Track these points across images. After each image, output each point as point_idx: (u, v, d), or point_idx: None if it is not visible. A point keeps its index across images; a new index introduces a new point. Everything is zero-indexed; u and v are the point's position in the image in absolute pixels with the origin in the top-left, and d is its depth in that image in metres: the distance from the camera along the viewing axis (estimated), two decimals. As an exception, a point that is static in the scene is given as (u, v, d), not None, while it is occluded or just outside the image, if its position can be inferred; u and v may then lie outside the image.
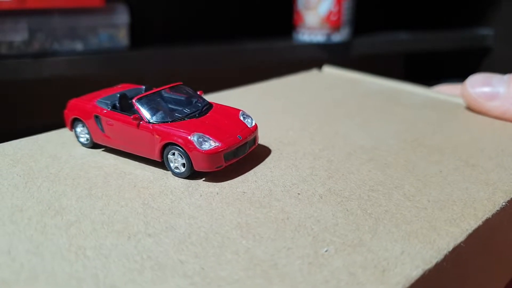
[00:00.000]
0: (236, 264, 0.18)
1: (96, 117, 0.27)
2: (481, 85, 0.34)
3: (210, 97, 0.38)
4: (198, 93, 0.29)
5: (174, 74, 0.63)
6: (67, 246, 0.19)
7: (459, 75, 0.80)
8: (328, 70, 0.48)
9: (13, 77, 0.56)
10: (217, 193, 0.23)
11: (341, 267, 0.18)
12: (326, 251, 0.19)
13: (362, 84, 0.44)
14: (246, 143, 0.26)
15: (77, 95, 0.30)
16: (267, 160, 0.27)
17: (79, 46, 0.59)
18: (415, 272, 0.18)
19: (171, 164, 0.25)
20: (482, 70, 0.83)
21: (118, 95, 0.28)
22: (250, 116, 0.28)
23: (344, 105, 0.38)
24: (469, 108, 0.36)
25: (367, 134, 0.31)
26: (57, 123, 0.33)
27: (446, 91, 0.41)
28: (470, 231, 0.20)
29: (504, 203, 0.23)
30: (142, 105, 0.26)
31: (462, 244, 0.20)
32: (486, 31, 0.80)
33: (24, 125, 0.74)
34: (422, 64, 0.97)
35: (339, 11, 0.68)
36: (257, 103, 0.38)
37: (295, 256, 0.18)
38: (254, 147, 0.27)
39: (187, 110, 0.26)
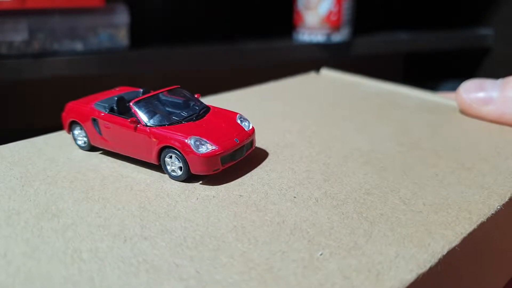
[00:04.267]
0: (231, 267, 0.18)
1: (94, 120, 0.27)
2: (475, 91, 0.35)
3: (208, 100, 0.38)
4: (196, 96, 0.29)
5: (174, 74, 0.63)
6: (63, 249, 0.19)
7: (459, 75, 0.81)
8: (326, 73, 0.48)
9: (13, 77, 0.56)
10: (214, 196, 0.23)
11: (335, 271, 0.18)
12: (321, 254, 0.19)
13: (359, 87, 0.44)
14: (243, 146, 0.26)
15: (77, 95, 0.30)
16: (264, 163, 0.27)
17: (79, 46, 0.59)
18: (409, 276, 0.18)
19: (168, 167, 0.25)
20: (482, 70, 0.83)
21: (116, 98, 0.28)
22: (247, 120, 0.28)
23: (341, 107, 0.38)
24: (464, 113, 0.36)
25: (364, 137, 0.32)
26: (57, 124, 0.33)
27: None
28: (465, 234, 0.20)
29: (499, 207, 0.23)
30: (139, 108, 0.26)
31: (456, 247, 0.20)
32: (486, 31, 0.80)
33: (24, 125, 0.74)
34: (422, 64, 0.97)
35: (339, 11, 0.68)
36: (255, 106, 0.38)
37: (290, 260, 0.19)
38: (251, 150, 0.27)
39: (184, 113, 0.27)
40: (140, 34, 0.67)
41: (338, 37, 0.70)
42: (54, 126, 0.33)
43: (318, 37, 0.69)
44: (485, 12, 0.81)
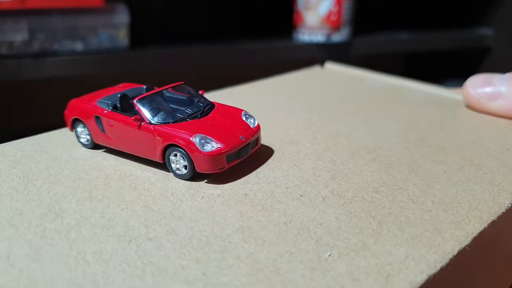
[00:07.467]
0: (238, 269, 0.18)
1: (97, 117, 0.27)
2: (482, 86, 0.34)
3: (213, 95, 0.38)
4: (200, 92, 0.28)
5: (174, 74, 0.63)
6: (67, 251, 0.19)
7: (459, 75, 0.80)
8: (331, 67, 0.48)
9: (13, 77, 0.56)
10: (219, 195, 0.23)
11: (344, 273, 0.17)
12: (329, 255, 0.19)
13: (364, 81, 0.43)
14: (248, 144, 0.25)
15: (77, 95, 0.30)
16: (270, 160, 0.27)
17: (79, 46, 0.59)
18: (420, 278, 0.17)
19: (173, 166, 0.25)
20: (482, 70, 0.83)
21: (119, 95, 0.27)
22: (252, 116, 0.27)
23: (347, 102, 0.38)
24: (471, 109, 0.36)
25: (370, 132, 0.31)
26: (57, 123, 0.32)
27: None
28: (475, 234, 0.20)
29: (509, 204, 0.22)
30: (143, 105, 0.25)
31: (467, 247, 0.19)
32: (486, 31, 0.80)
33: (24, 125, 0.73)
34: (422, 64, 0.97)
35: (339, 11, 0.68)
36: (260, 101, 0.38)
37: (297, 261, 0.18)
38: (256, 147, 0.27)
39: (189, 111, 0.26)
40: (140, 34, 0.66)
41: (338, 37, 0.70)
42: (54, 127, 0.32)
43: (318, 37, 0.69)
44: (485, 12, 0.81)
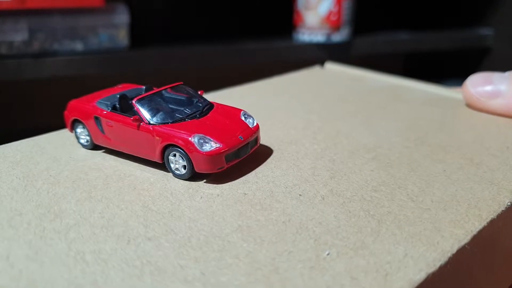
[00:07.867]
0: (236, 268, 0.18)
1: (96, 118, 0.27)
2: (482, 84, 0.34)
3: (212, 95, 0.38)
4: (199, 92, 0.29)
5: (174, 74, 0.63)
6: (66, 251, 0.19)
7: (459, 75, 0.80)
8: (331, 67, 0.48)
9: (13, 77, 0.56)
10: (218, 195, 0.23)
11: (343, 272, 0.17)
12: (328, 254, 0.19)
13: (364, 81, 0.43)
14: (247, 143, 0.26)
15: (77, 95, 0.30)
16: (269, 160, 0.27)
17: (79, 46, 0.59)
18: (418, 276, 0.17)
19: (172, 166, 0.25)
20: (482, 70, 0.82)
21: (118, 96, 0.27)
22: (251, 116, 0.27)
23: (347, 102, 0.38)
24: (471, 108, 0.36)
25: (370, 132, 0.31)
26: (57, 124, 0.32)
27: None
28: (474, 232, 0.20)
29: (509, 203, 0.22)
30: (142, 106, 0.25)
31: (466, 246, 0.19)
32: (486, 31, 0.80)
33: (24, 126, 0.73)
34: (422, 64, 0.97)
35: (339, 11, 0.68)
36: (259, 101, 0.38)
37: (296, 260, 0.18)
38: (256, 147, 0.27)
39: (187, 111, 0.26)
40: (140, 34, 0.66)
41: (338, 37, 0.70)
42: (54, 127, 0.32)
43: (318, 37, 0.69)
44: (485, 12, 0.81)
